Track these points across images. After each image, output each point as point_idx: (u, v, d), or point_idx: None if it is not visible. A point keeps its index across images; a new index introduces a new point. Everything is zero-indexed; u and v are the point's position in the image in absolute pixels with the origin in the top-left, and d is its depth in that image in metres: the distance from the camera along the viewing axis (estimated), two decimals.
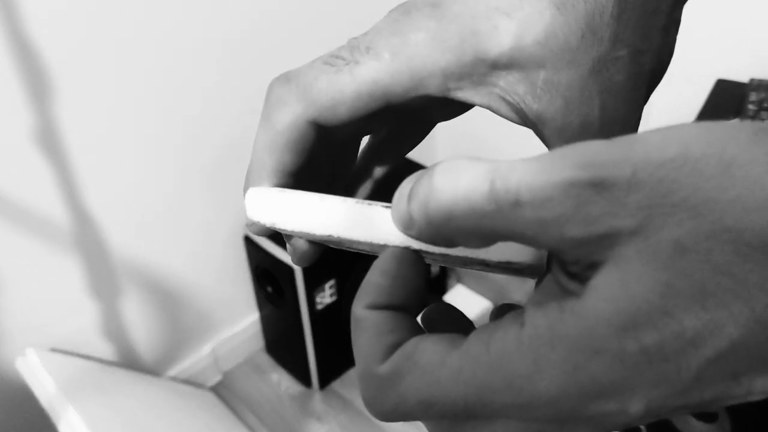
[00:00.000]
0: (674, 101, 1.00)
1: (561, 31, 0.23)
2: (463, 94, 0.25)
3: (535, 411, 0.18)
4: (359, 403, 1.48)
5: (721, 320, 0.16)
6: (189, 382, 1.49)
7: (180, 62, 1.19)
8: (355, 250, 0.29)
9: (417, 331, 0.22)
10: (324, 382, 1.52)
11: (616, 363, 0.17)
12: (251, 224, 0.26)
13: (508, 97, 0.25)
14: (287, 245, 0.28)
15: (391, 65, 0.24)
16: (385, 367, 0.20)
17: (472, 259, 0.23)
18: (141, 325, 1.35)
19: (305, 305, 1.35)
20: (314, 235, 0.24)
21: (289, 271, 1.30)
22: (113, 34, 1.08)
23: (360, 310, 0.22)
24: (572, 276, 0.18)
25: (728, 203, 0.16)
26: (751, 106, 1.00)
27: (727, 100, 1.08)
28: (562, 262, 0.19)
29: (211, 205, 1.37)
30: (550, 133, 0.24)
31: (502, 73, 0.24)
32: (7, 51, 0.97)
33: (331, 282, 1.36)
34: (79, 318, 1.24)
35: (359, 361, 0.21)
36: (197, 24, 1.18)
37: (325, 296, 1.37)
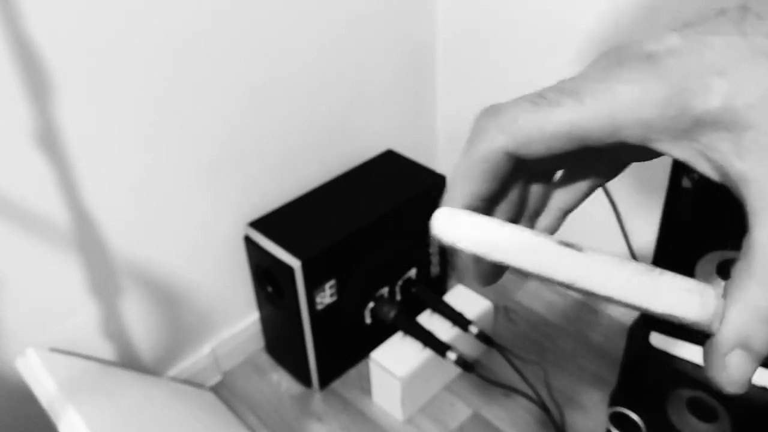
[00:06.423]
0: None
1: None
2: (661, 146, 0.25)
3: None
4: (359, 403, 1.48)
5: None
6: (189, 382, 1.49)
7: (180, 61, 1.19)
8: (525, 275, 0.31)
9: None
10: (324, 382, 1.52)
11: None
12: (435, 240, 0.28)
13: (709, 153, 0.24)
14: (471, 265, 0.31)
15: (592, 111, 0.25)
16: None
17: (632, 304, 0.24)
18: (141, 325, 1.35)
19: (305, 305, 1.35)
20: (488, 258, 0.25)
21: (289, 271, 1.30)
22: (113, 34, 1.08)
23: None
24: None
25: None
26: None
27: None
28: None
29: (211, 205, 1.37)
30: (752, 194, 0.24)
31: (705, 130, 0.24)
32: (7, 50, 0.97)
33: (331, 282, 1.36)
34: (79, 318, 1.24)
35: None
36: (196, 23, 1.18)
37: (325, 296, 1.37)
